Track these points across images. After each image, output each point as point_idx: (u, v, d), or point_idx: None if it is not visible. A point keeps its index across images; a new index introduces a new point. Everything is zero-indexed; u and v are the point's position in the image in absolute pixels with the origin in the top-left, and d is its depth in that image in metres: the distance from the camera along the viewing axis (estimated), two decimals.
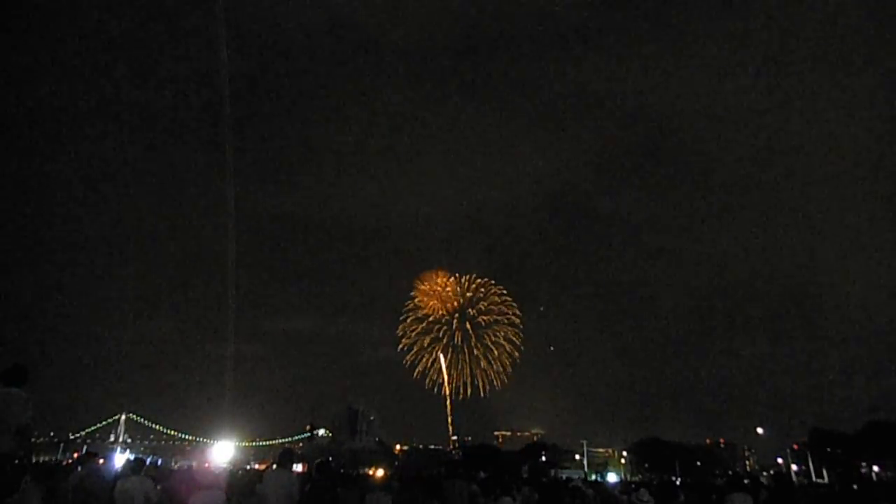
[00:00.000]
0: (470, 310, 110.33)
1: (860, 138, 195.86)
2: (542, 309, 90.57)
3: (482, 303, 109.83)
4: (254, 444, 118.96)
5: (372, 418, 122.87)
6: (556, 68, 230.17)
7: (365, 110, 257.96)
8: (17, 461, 6.44)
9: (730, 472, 70.60)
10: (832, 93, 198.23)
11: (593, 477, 70.88)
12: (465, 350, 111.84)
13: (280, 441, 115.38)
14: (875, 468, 67.83)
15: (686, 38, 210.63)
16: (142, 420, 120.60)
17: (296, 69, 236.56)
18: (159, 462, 54.23)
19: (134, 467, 8.91)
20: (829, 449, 71.72)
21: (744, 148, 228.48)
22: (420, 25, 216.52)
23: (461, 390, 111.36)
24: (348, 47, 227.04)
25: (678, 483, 35.67)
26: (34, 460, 38.71)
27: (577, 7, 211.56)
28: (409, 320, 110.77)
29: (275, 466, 8.58)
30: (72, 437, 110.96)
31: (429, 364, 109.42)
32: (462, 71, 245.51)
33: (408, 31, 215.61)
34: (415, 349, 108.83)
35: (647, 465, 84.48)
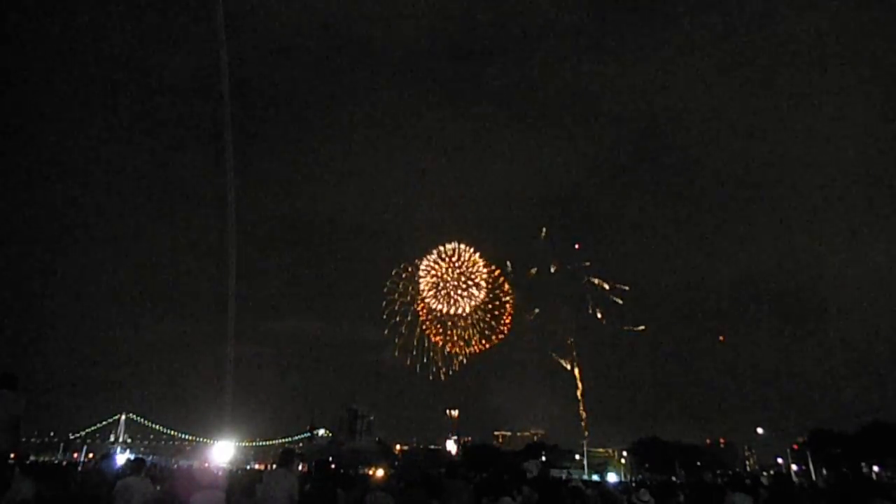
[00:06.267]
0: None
1: (861, 139, 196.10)
2: (537, 311, 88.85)
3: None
4: (254, 444, 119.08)
5: (371, 418, 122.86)
6: (550, 71, 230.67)
7: (366, 113, 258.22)
8: (7, 459, 6.54)
9: (730, 472, 70.59)
10: (830, 92, 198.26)
11: (594, 477, 70.92)
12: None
13: (280, 441, 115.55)
14: (875, 468, 67.83)
15: (679, 40, 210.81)
16: (142, 420, 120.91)
17: (295, 72, 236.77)
18: (159, 462, 54.28)
19: (134, 467, 8.92)
20: (829, 449, 71.72)
21: (740, 149, 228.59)
22: (416, 29, 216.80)
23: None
24: (345, 52, 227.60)
25: (678, 483, 35.69)
26: (33, 460, 38.77)
27: (570, 11, 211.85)
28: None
29: (275, 466, 8.61)
30: (72, 437, 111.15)
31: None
32: (457, 72, 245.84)
33: (404, 35, 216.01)
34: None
35: (647, 465, 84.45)
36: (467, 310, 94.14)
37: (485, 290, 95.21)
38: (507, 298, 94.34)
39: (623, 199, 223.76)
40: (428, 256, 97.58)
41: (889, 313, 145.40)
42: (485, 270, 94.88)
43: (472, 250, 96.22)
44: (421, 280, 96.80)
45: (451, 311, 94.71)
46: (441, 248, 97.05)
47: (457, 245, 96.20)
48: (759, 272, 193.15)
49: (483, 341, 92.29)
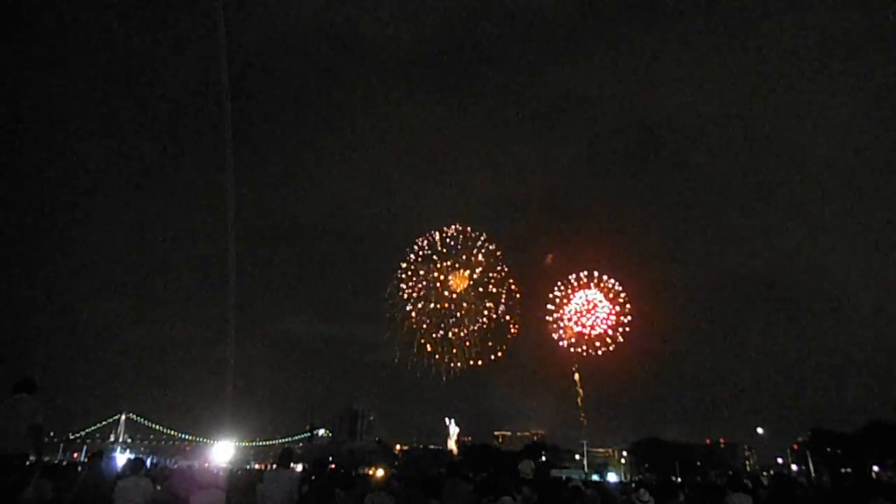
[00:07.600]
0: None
1: (860, 138, 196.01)
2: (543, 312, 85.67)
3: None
4: (254, 444, 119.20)
5: (371, 418, 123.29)
6: (545, 72, 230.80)
7: (365, 112, 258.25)
8: (28, 461, 6.79)
9: (730, 472, 70.60)
10: (831, 89, 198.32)
11: (594, 477, 70.92)
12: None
13: (280, 441, 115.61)
14: (875, 468, 67.87)
15: (677, 38, 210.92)
16: (142, 420, 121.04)
17: (295, 72, 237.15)
18: (159, 462, 54.27)
19: (134, 467, 8.92)
20: (829, 449, 71.79)
21: (739, 148, 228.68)
22: (412, 30, 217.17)
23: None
24: (344, 52, 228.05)
25: (678, 483, 35.71)
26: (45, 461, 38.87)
27: (565, 11, 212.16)
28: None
29: (275, 466, 8.63)
30: (72, 437, 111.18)
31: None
32: (455, 72, 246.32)
33: (401, 35, 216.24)
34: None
35: (647, 465, 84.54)
36: (475, 328, 71.87)
37: (504, 301, 69.37)
38: (516, 304, 75.82)
39: (619, 200, 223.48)
40: (414, 248, 69.45)
41: (890, 313, 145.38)
42: (505, 271, 68.76)
43: (482, 237, 67.18)
44: (404, 285, 70.06)
45: (453, 334, 71.50)
46: (434, 235, 68.38)
47: (459, 228, 67.69)
48: (759, 272, 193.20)
49: (488, 351, 76.32)
